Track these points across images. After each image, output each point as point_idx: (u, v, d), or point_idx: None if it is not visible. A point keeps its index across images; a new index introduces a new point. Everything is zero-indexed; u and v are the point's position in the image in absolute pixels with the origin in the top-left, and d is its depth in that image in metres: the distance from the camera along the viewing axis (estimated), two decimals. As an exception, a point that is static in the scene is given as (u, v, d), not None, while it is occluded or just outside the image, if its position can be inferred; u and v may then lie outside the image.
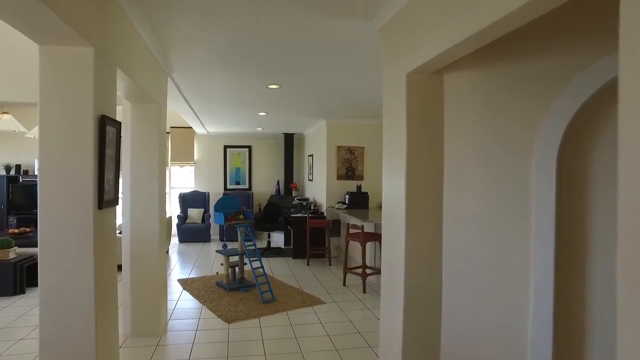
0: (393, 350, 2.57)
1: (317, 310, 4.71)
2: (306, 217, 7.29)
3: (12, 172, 8.33)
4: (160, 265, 3.80)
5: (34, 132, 5.44)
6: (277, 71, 4.23)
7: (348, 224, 5.87)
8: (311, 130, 9.16)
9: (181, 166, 9.93)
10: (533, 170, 2.15)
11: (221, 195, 9.30)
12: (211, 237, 9.28)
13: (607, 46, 1.87)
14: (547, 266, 2.07)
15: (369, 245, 5.84)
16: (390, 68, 2.66)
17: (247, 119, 7.66)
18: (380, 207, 7.66)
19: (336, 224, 7.48)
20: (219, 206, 5.51)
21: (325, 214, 7.67)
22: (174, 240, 9.13)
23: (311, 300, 5.00)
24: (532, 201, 2.15)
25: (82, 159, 2.02)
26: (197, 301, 4.95)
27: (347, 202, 7.41)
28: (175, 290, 5.39)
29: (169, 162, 9.65)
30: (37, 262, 2.50)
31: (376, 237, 5.61)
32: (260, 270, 5.18)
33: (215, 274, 6.26)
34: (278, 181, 10.03)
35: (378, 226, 5.78)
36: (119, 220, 3.69)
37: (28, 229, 6.42)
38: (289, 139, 9.86)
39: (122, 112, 3.64)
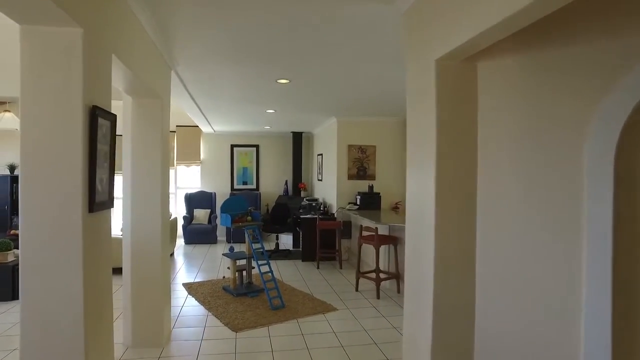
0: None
1: (329, 317, 4.44)
2: (316, 218, 7.03)
3: (16, 172, 8.17)
4: (163, 269, 3.56)
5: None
6: (287, 64, 3.97)
7: (361, 226, 5.60)
8: (321, 129, 8.89)
9: (187, 166, 9.72)
10: (584, 172, 1.87)
11: (228, 196, 9.06)
12: (218, 238, 9.04)
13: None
14: (603, 282, 1.79)
15: (382, 248, 5.56)
16: (417, 55, 2.39)
17: (254, 117, 7.42)
18: (394, 208, 7.43)
19: (347, 226, 7.20)
20: (225, 207, 5.26)
21: (335, 215, 7.40)
22: (180, 241, 8.90)
23: (323, 307, 4.73)
24: (582, 206, 1.86)
25: (69, 156, 1.78)
26: (202, 307, 4.70)
27: (358, 202, 7.14)
28: (180, 295, 5.16)
29: (175, 161, 9.44)
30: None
31: (390, 240, 5.33)
32: (269, 275, 4.92)
33: (222, 277, 6.02)
34: (286, 181, 9.77)
35: (392, 228, 5.50)
36: (119, 223, 3.46)
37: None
38: (297, 137, 9.61)
39: (122, 108, 3.41)
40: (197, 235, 8.77)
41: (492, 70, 2.20)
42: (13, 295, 4.79)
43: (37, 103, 1.74)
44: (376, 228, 5.18)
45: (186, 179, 9.83)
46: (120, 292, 3.54)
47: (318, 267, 6.79)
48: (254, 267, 5.28)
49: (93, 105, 1.86)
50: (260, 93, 5.29)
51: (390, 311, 4.64)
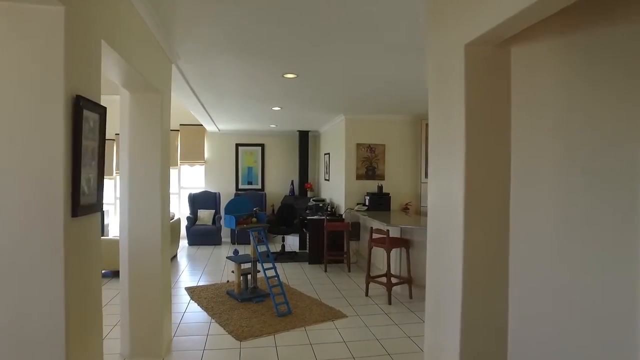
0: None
1: (338, 325, 4.20)
2: (324, 219, 6.78)
3: None
4: (163, 274, 3.34)
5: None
6: (294, 57, 3.73)
7: (371, 228, 5.35)
8: (328, 127, 8.64)
9: (191, 165, 9.51)
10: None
11: (233, 196, 8.85)
12: (222, 239, 8.82)
13: None
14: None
15: (394, 252, 5.30)
16: (441, 40, 2.14)
17: (260, 115, 7.19)
18: (404, 209, 7.16)
19: (355, 227, 6.96)
20: (230, 208, 5.03)
21: (343, 216, 7.16)
22: (183, 243, 8.69)
23: (331, 314, 4.49)
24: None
25: (49, 152, 1.55)
26: (205, 314, 4.47)
27: (367, 203, 6.89)
28: (182, 301, 4.93)
29: (179, 161, 9.24)
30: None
31: (402, 242, 5.08)
32: (275, 279, 4.69)
33: (226, 282, 5.79)
34: (292, 181, 9.54)
35: (404, 231, 5.25)
36: (118, 224, 3.24)
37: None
38: (303, 136, 9.36)
39: (120, 103, 3.19)
40: (201, 236, 8.56)
41: (530, 55, 1.94)
42: None
43: (11, 91, 1.51)
44: (387, 230, 4.93)
45: (190, 179, 9.63)
46: (118, 299, 3.32)
47: (326, 270, 6.55)
48: (259, 271, 5.05)
49: (77, 95, 1.63)
50: (266, 88, 5.06)
51: (403, 318, 4.39)
